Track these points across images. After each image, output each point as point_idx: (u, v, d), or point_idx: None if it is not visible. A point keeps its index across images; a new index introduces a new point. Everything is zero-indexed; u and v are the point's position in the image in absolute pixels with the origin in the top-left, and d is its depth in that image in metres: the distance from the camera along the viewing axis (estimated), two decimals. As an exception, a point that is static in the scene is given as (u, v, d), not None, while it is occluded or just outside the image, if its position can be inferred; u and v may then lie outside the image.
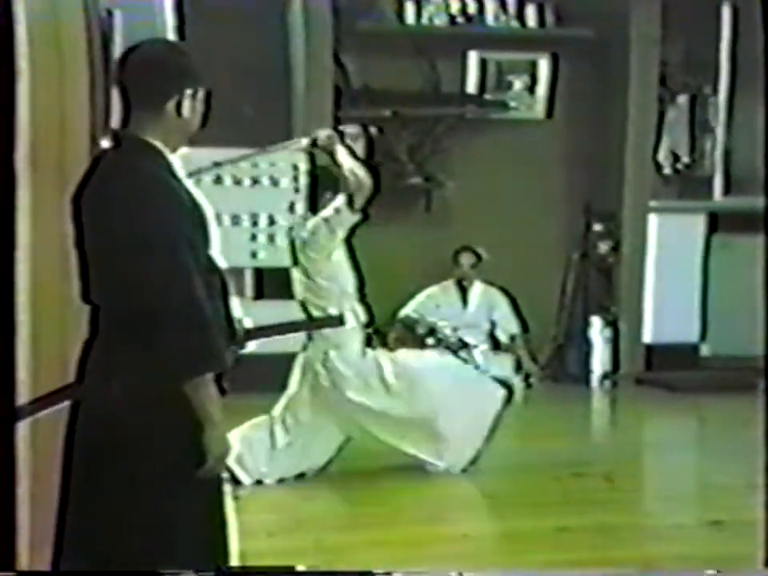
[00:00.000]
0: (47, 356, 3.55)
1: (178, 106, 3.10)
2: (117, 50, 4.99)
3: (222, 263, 3.19)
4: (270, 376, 6.39)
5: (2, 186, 3.36)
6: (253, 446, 6.13)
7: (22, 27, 3.41)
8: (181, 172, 3.14)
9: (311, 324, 6.34)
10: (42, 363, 3.55)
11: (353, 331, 6.30)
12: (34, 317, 3.52)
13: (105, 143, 3.91)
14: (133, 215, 2.98)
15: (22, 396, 3.41)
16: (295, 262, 6.42)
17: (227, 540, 3.20)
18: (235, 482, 5.94)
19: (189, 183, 3.16)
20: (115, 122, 3.44)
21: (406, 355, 6.58)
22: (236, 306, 3.25)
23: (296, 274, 6.43)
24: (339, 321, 6.23)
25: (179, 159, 3.16)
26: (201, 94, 3.15)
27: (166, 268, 2.96)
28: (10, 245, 3.38)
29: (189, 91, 3.11)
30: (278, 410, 6.32)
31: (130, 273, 2.98)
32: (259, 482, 6.18)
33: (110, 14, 5.19)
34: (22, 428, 3.43)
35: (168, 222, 3.00)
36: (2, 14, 3.33)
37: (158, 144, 3.09)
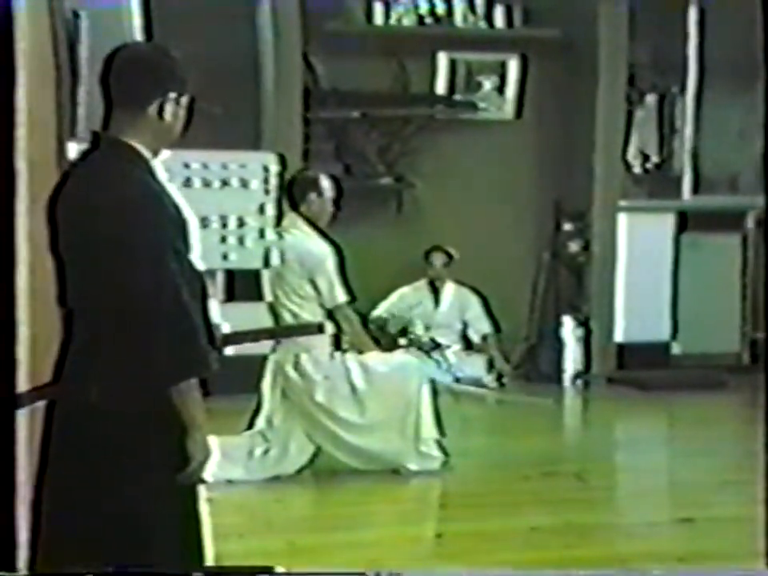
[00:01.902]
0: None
1: (161, 109, 3.03)
2: (83, 51, 4.97)
3: (201, 267, 3.16)
4: (244, 378, 6.36)
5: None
6: (229, 454, 6.08)
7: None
8: (163, 176, 3.08)
9: (290, 330, 6.30)
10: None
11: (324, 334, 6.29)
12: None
13: (71, 144, 3.89)
14: (118, 221, 2.93)
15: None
16: (266, 263, 6.40)
17: (202, 543, 3.18)
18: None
19: (171, 187, 3.11)
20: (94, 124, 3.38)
21: (374, 358, 6.55)
22: (215, 309, 3.23)
23: (267, 276, 6.40)
24: (318, 329, 6.21)
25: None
26: (184, 100, 3.09)
27: (152, 273, 2.93)
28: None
29: (172, 95, 3.05)
30: (258, 422, 6.30)
31: (116, 278, 2.94)
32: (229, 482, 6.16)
33: (76, 15, 5.18)
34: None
35: (153, 227, 2.95)
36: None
37: (139, 147, 3.03)
